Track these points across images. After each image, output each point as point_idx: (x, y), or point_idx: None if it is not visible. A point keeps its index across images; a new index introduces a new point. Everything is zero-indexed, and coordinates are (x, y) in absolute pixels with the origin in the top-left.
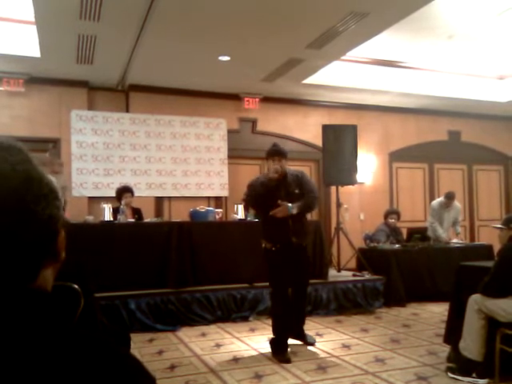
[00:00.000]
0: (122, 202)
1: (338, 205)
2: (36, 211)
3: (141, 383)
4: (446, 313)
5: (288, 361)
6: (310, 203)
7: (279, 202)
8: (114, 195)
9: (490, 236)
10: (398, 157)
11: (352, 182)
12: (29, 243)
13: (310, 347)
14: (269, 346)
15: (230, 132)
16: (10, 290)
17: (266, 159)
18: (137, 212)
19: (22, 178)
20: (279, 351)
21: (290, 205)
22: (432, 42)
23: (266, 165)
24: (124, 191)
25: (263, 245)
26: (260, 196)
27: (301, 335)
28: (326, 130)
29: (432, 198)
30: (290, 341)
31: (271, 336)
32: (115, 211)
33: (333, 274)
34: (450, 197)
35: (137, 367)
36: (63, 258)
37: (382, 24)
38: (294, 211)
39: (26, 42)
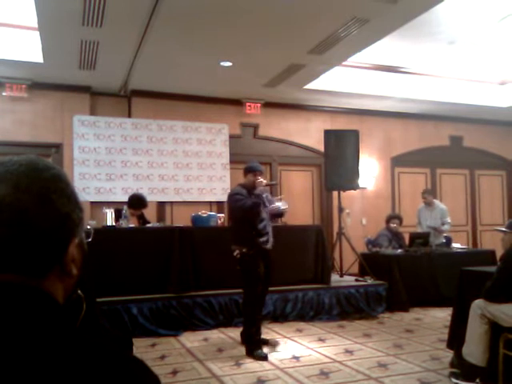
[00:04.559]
0: (124, 207)
1: (340, 210)
2: (55, 202)
3: None
4: (449, 318)
5: (266, 357)
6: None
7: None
8: (116, 200)
9: (493, 241)
10: (400, 162)
11: (354, 186)
12: (42, 228)
13: (312, 352)
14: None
15: (231, 137)
16: (16, 284)
17: (246, 173)
18: (140, 216)
19: (52, 174)
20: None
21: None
22: (433, 47)
23: (246, 179)
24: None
25: (237, 251)
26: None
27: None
28: (328, 135)
29: None
30: (295, 345)
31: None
32: (117, 216)
33: (335, 279)
34: (425, 192)
35: (141, 369)
36: (75, 276)
37: (384, 30)
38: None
39: (28, 48)
